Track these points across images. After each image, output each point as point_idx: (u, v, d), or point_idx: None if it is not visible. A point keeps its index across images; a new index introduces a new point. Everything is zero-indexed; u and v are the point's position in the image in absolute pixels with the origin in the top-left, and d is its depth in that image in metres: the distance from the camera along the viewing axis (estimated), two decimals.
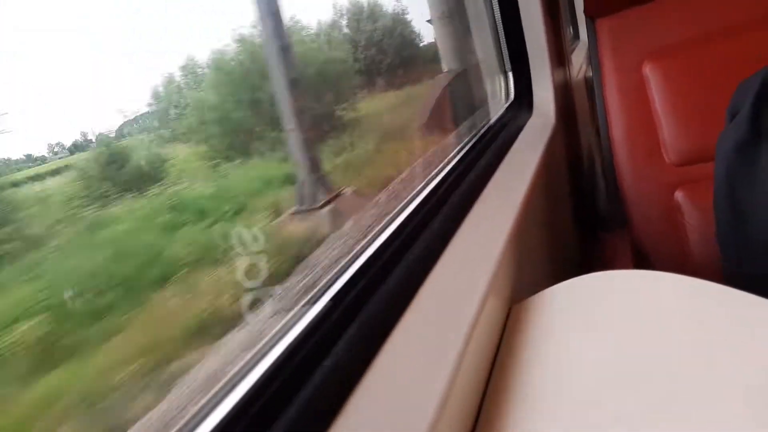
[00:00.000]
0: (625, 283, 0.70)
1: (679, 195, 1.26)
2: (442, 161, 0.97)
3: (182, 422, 0.39)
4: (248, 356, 0.45)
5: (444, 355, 0.48)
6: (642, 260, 1.32)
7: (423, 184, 0.85)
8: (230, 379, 0.42)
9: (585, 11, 1.35)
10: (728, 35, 1.23)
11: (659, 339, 0.56)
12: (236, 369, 0.43)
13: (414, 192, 0.82)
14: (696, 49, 1.25)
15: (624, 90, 1.32)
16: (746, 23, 1.22)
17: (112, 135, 1.38)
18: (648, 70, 1.28)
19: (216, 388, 0.41)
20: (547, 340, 0.60)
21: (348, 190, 1.59)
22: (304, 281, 0.65)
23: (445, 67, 2.30)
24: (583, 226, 1.52)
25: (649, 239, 1.33)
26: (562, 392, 0.51)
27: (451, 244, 0.68)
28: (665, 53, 1.27)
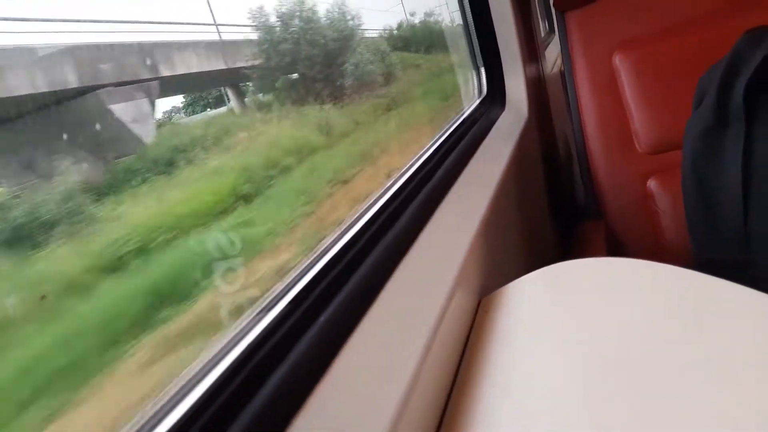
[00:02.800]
0: (595, 271, 0.70)
1: (651, 183, 1.27)
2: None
3: (140, 422, 0.38)
4: (208, 356, 0.44)
5: (409, 350, 0.48)
6: (617, 249, 1.33)
7: (393, 179, 0.85)
8: (189, 380, 0.41)
9: (554, 5, 1.36)
10: (695, 25, 1.24)
11: (629, 326, 0.56)
12: (195, 369, 0.42)
13: (384, 187, 0.82)
14: (664, 39, 1.26)
15: (595, 81, 1.33)
16: (713, 12, 1.24)
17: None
18: (617, 61, 1.29)
19: (174, 389, 0.40)
20: (516, 330, 0.61)
21: None
22: None
23: None
24: (560, 218, 1.53)
25: (624, 228, 1.34)
26: (530, 383, 0.52)
27: (419, 239, 0.68)
28: (634, 44, 1.28)
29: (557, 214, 1.52)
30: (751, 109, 0.83)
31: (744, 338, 0.51)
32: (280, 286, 0.56)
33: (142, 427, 0.38)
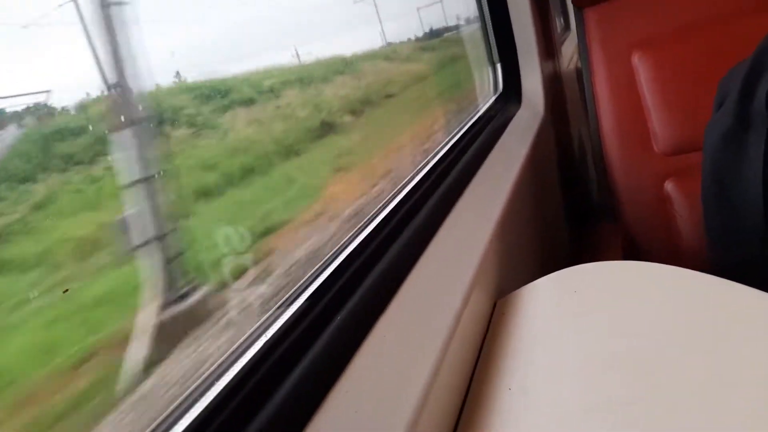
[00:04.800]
0: (612, 274, 0.70)
1: (669, 185, 1.25)
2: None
3: (159, 419, 0.38)
4: (226, 354, 0.44)
5: (427, 350, 0.48)
6: (633, 251, 1.32)
7: (408, 177, 0.84)
8: (208, 377, 0.41)
9: (573, 1, 1.34)
10: (716, 24, 1.22)
11: (646, 329, 0.56)
12: (214, 366, 0.42)
13: (399, 185, 0.81)
14: (684, 38, 1.24)
15: (613, 80, 1.31)
16: (734, 11, 1.22)
17: None
18: (637, 60, 1.27)
19: (193, 386, 0.40)
20: (532, 333, 0.60)
21: None
22: None
23: None
24: (574, 219, 1.52)
25: (640, 230, 1.33)
26: (546, 385, 0.51)
27: (435, 239, 0.68)
28: (653, 43, 1.27)
29: (572, 215, 1.51)
30: None
31: (763, 343, 0.50)
32: (298, 284, 0.56)
33: (161, 423, 0.38)
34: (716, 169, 0.90)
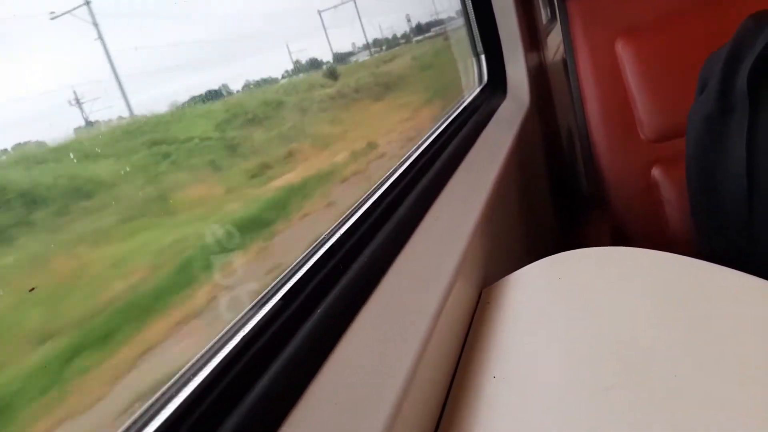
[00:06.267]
0: (599, 260, 0.69)
1: (655, 171, 1.26)
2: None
3: (131, 419, 0.38)
4: (205, 348, 0.44)
5: (409, 340, 0.47)
6: (621, 238, 1.32)
7: (392, 168, 0.84)
8: (184, 373, 0.41)
9: None
10: (698, 10, 1.23)
11: (632, 314, 0.56)
12: (189, 365, 0.42)
13: (384, 175, 0.81)
14: (666, 25, 1.25)
15: (597, 69, 1.32)
16: None
17: None
18: (620, 48, 1.27)
19: (167, 384, 0.40)
20: (517, 320, 0.60)
21: None
22: None
23: None
24: (563, 207, 1.52)
25: (628, 217, 1.33)
26: (532, 374, 0.51)
27: (419, 229, 0.67)
28: (636, 31, 1.27)
29: (560, 204, 1.51)
30: (754, 94, 0.82)
31: (749, 326, 0.50)
32: (279, 276, 0.56)
33: (137, 420, 0.37)
34: (700, 153, 0.90)
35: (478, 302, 0.66)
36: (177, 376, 0.40)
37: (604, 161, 1.34)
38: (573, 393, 0.47)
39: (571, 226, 1.43)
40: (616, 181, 1.33)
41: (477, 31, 1.37)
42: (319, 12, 1.41)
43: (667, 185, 1.24)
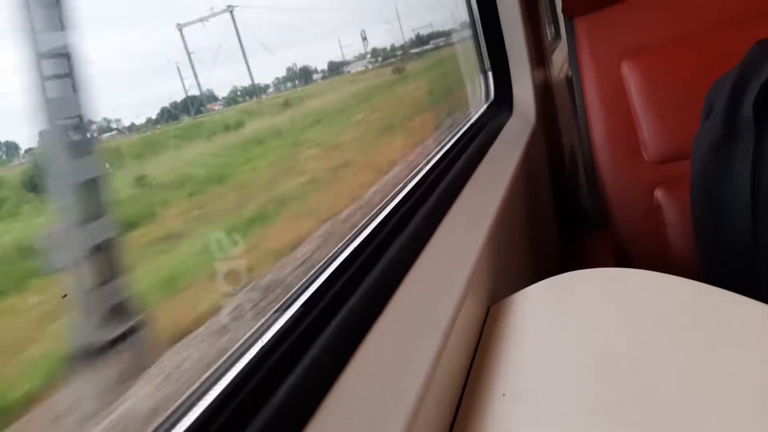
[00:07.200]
0: (603, 281, 0.70)
1: (659, 193, 1.27)
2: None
3: (158, 422, 0.38)
4: (223, 358, 0.44)
5: (420, 357, 0.48)
6: (624, 259, 1.33)
7: (401, 185, 0.85)
8: (204, 382, 0.41)
9: (563, 10, 1.36)
10: (706, 34, 1.24)
11: (637, 335, 0.56)
12: (211, 370, 0.42)
13: (392, 193, 0.82)
14: (673, 47, 1.26)
15: (603, 89, 1.33)
16: (724, 22, 1.23)
17: None
18: (626, 69, 1.29)
19: (191, 389, 0.40)
20: (525, 338, 0.61)
21: None
22: None
23: None
24: (566, 226, 1.53)
25: (631, 238, 1.34)
26: (539, 390, 0.52)
27: (428, 246, 0.68)
28: (643, 52, 1.28)
29: (563, 223, 1.52)
30: (760, 121, 0.83)
31: (751, 350, 0.51)
32: (292, 290, 0.56)
33: (157, 428, 0.38)
34: (705, 178, 0.91)
35: (485, 318, 0.66)
36: (196, 385, 0.41)
37: (608, 181, 1.35)
38: (581, 411, 0.48)
39: (573, 245, 1.44)
40: (619, 202, 1.34)
41: (485, 47, 1.39)
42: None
43: (671, 207, 1.25)
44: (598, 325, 0.60)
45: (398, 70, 2.36)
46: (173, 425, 0.38)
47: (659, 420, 0.44)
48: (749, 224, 0.83)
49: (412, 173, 0.89)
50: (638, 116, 1.27)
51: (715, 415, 0.44)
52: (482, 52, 1.40)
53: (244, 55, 1.17)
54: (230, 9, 1.03)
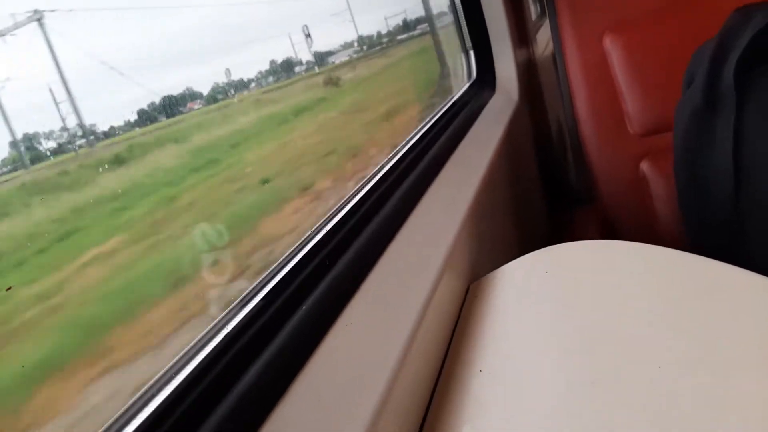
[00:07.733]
0: (587, 254, 0.69)
1: (644, 165, 1.26)
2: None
3: (116, 414, 0.37)
4: (188, 345, 0.43)
5: (396, 335, 0.47)
6: (611, 233, 1.33)
7: (381, 163, 0.83)
8: (166, 371, 0.40)
9: None
10: (686, 4, 1.23)
11: (620, 308, 0.56)
12: (170, 363, 0.41)
13: (373, 170, 0.81)
14: (654, 20, 1.25)
15: (586, 63, 1.32)
16: None
17: None
18: (608, 43, 1.28)
19: (148, 384, 0.39)
20: (505, 315, 0.60)
21: None
22: None
23: None
24: (554, 203, 1.53)
25: (618, 211, 1.33)
26: (519, 368, 0.51)
27: (406, 223, 0.67)
28: (625, 25, 1.27)
29: (550, 199, 1.51)
30: (741, 88, 0.82)
31: (738, 318, 0.50)
32: (266, 271, 0.55)
33: (118, 419, 0.37)
34: (687, 147, 0.90)
35: (465, 297, 0.66)
36: (159, 374, 0.40)
37: (593, 155, 1.34)
38: (559, 386, 0.47)
39: (560, 221, 1.43)
40: (605, 175, 1.34)
41: (465, 26, 1.37)
42: None
43: (656, 179, 1.25)
44: (582, 298, 0.59)
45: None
46: (136, 413, 0.37)
47: (642, 392, 0.43)
48: (732, 193, 0.82)
49: (391, 154, 0.88)
50: (622, 89, 1.26)
51: (701, 383, 0.43)
52: (463, 30, 1.39)
53: None
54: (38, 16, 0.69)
